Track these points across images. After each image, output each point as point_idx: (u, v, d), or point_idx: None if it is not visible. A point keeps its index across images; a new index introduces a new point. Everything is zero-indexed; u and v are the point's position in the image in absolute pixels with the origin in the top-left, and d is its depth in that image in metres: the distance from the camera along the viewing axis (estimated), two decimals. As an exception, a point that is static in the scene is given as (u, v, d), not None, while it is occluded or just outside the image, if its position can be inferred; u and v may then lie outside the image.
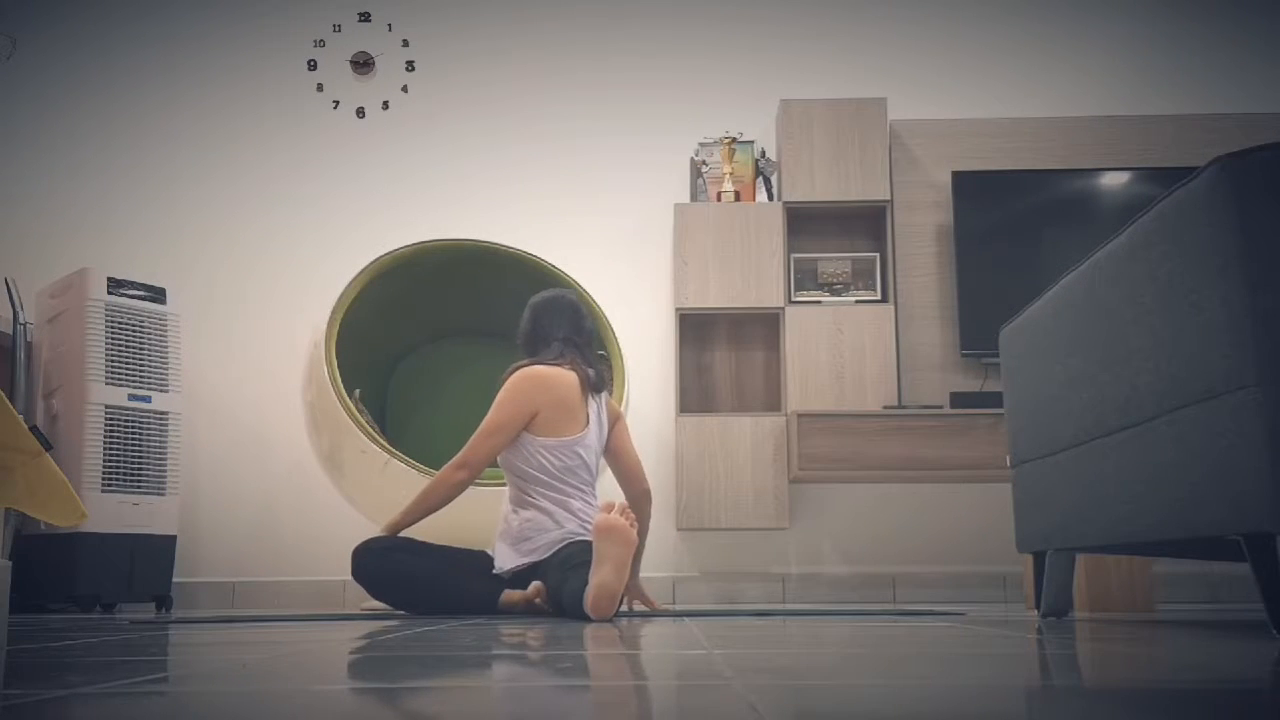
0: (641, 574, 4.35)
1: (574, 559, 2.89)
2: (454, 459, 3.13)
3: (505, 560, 3.10)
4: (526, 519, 3.09)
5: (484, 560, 3.17)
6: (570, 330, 3.23)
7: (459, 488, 3.12)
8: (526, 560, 3.05)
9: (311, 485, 4.40)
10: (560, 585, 2.84)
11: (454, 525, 3.37)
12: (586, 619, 2.63)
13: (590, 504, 3.13)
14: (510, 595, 3.02)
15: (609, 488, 4.22)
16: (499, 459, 3.16)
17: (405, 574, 3.08)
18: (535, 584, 2.99)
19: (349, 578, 3.16)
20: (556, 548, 3.02)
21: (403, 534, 3.17)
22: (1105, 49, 4.83)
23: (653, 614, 3.09)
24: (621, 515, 2.66)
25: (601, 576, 2.62)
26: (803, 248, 4.59)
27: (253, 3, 4.92)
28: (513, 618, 2.86)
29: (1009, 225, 4.45)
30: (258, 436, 4.62)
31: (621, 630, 2.21)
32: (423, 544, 3.16)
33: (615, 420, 3.27)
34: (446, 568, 3.11)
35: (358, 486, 3.88)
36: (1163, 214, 2.03)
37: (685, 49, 4.86)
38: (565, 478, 3.11)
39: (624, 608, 3.04)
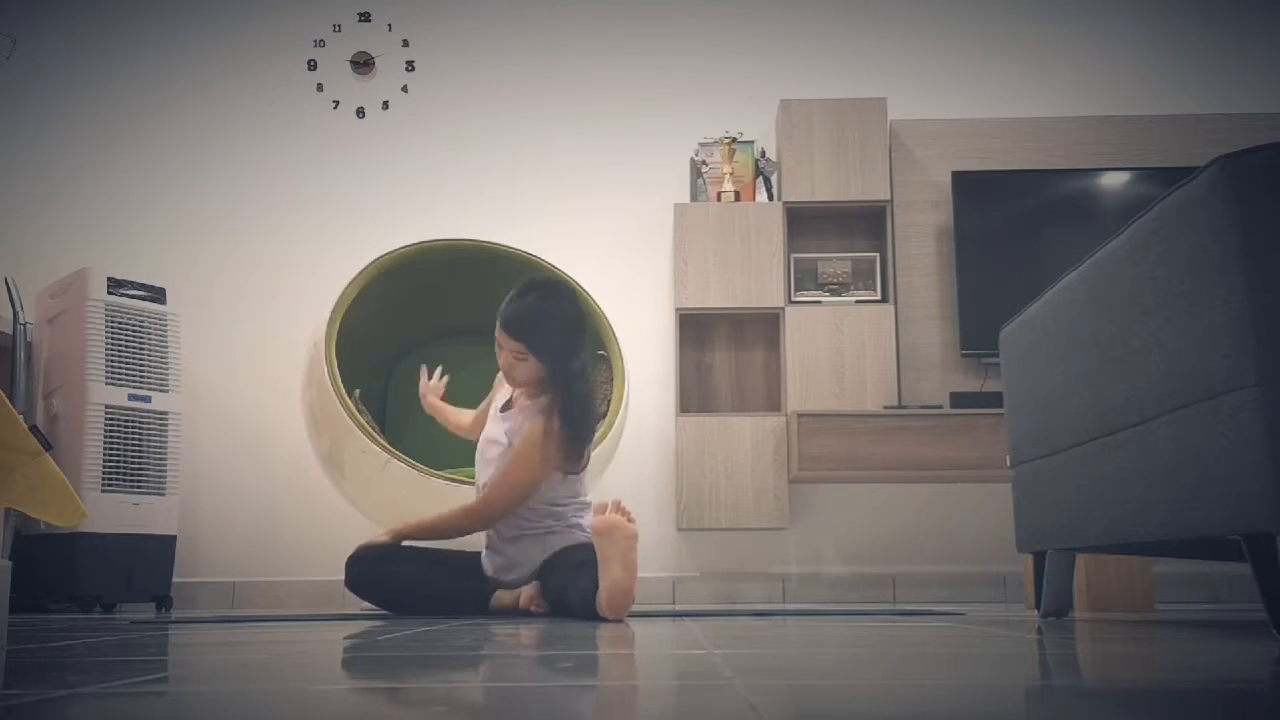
0: (641, 574, 4.35)
1: (574, 558, 2.88)
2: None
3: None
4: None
5: (474, 562, 3.16)
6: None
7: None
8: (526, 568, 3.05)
9: (311, 485, 4.40)
10: (566, 586, 2.82)
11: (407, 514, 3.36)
12: (598, 619, 2.61)
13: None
14: (502, 597, 3.02)
15: (612, 486, 4.23)
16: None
17: (395, 582, 3.09)
18: (526, 588, 2.98)
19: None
20: (554, 550, 3.01)
21: (394, 539, 3.15)
22: (1105, 49, 4.83)
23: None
24: (616, 511, 2.65)
25: (613, 576, 2.60)
26: (803, 248, 4.59)
27: (253, 3, 4.92)
28: (509, 619, 2.85)
29: (1009, 225, 4.45)
30: (257, 436, 4.62)
31: (622, 630, 2.21)
32: (411, 550, 3.15)
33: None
34: (436, 572, 3.11)
35: (358, 486, 3.88)
36: (1163, 214, 2.03)
37: (685, 49, 4.86)
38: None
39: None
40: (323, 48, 4.87)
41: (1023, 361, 2.83)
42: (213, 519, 4.57)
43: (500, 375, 3.18)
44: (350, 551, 3.15)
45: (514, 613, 2.98)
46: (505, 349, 3.02)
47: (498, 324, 3.03)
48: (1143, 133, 4.56)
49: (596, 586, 2.63)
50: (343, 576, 3.12)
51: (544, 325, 3.02)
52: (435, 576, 3.10)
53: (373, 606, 3.25)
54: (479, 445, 3.19)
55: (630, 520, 2.65)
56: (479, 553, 3.20)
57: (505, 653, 1.60)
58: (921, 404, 4.36)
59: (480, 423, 3.27)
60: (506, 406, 3.17)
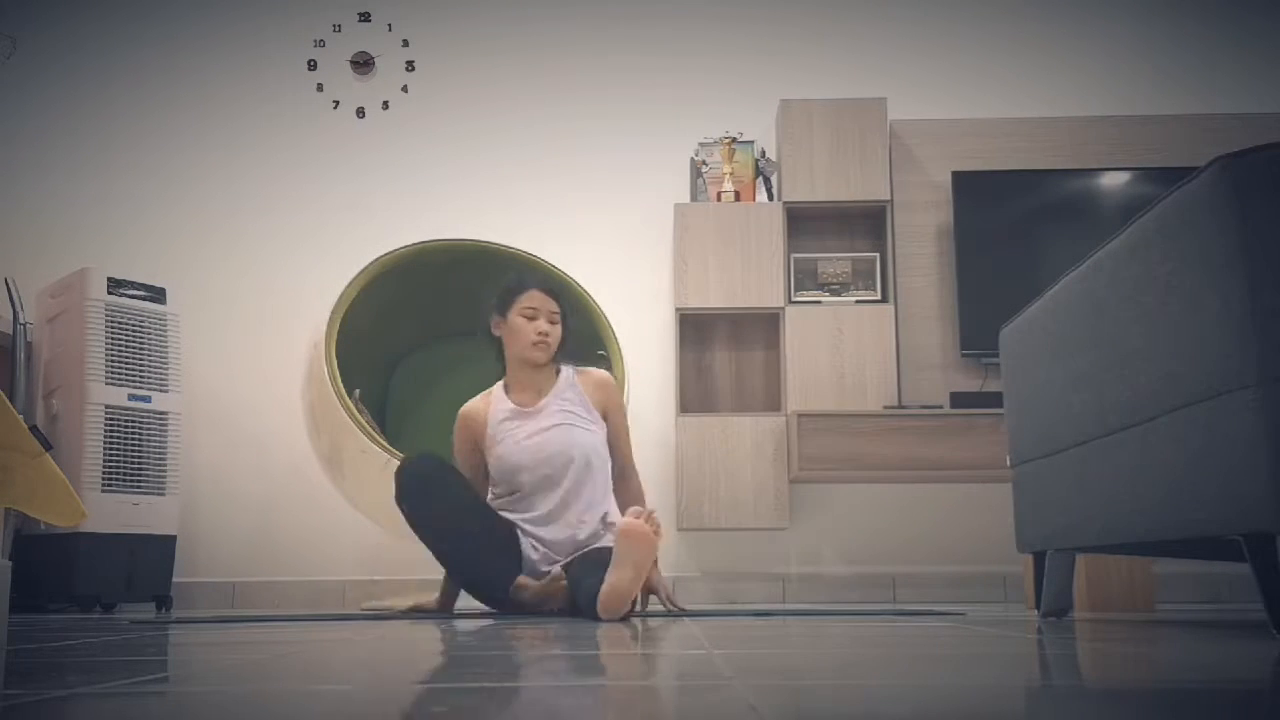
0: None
1: (598, 558, 2.85)
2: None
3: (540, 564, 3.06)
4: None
5: (510, 533, 3.05)
6: None
7: None
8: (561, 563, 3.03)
9: (311, 485, 4.40)
10: (580, 580, 2.81)
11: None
12: (597, 619, 2.61)
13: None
14: (525, 581, 2.96)
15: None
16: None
17: (449, 503, 2.98)
18: (556, 569, 2.94)
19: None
20: (586, 547, 3.00)
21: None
22: (1105, 49, 4.83)
23: (670, 613, 2.98)
24: (647, 522, 2.62)
25: (618, 577, 2.59)
26: (803, 248, 4.59)
27: (253, 3, 4.92)
28: (513, 618, 2.85)
29: (1009, 225, 4.45)
30: (258, 437, 4.62)
31: (624, 631, 2.21)
32: (467, 483, 3.08)
33: None
34: (480, 523, 3.01)
35: (358, 487, 3.88)
36: (1163, 214, 2.03)
37: (685, 49, 4.86)
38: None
39: (638, 606, 2.98)
40: (323, 48, 4.87)
41: (1023, 361, 2.83)
42: (213, 519, 4.57)
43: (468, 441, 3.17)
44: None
45: (528, 604, 2.93)
46: (543, 312, 3.11)
47: (530, 290, 3.12)
48: (1143, 133, 4.56)
49: (600, 583, 2.63)
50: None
51: (566, 290, 3.22)
52: (478, 528, 3.00)
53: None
54: (537, 449, 3.07)
55: (656, 533, 2.62)
56: (515, 531, 3.12)
57: (506, 652, 1.60)
58: (921, 404, 4.36)
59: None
60: (522, 406, 3.14)
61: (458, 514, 3.00)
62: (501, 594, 2.96)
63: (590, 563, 2.86)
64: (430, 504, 3.00)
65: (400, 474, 3.03)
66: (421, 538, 3.04)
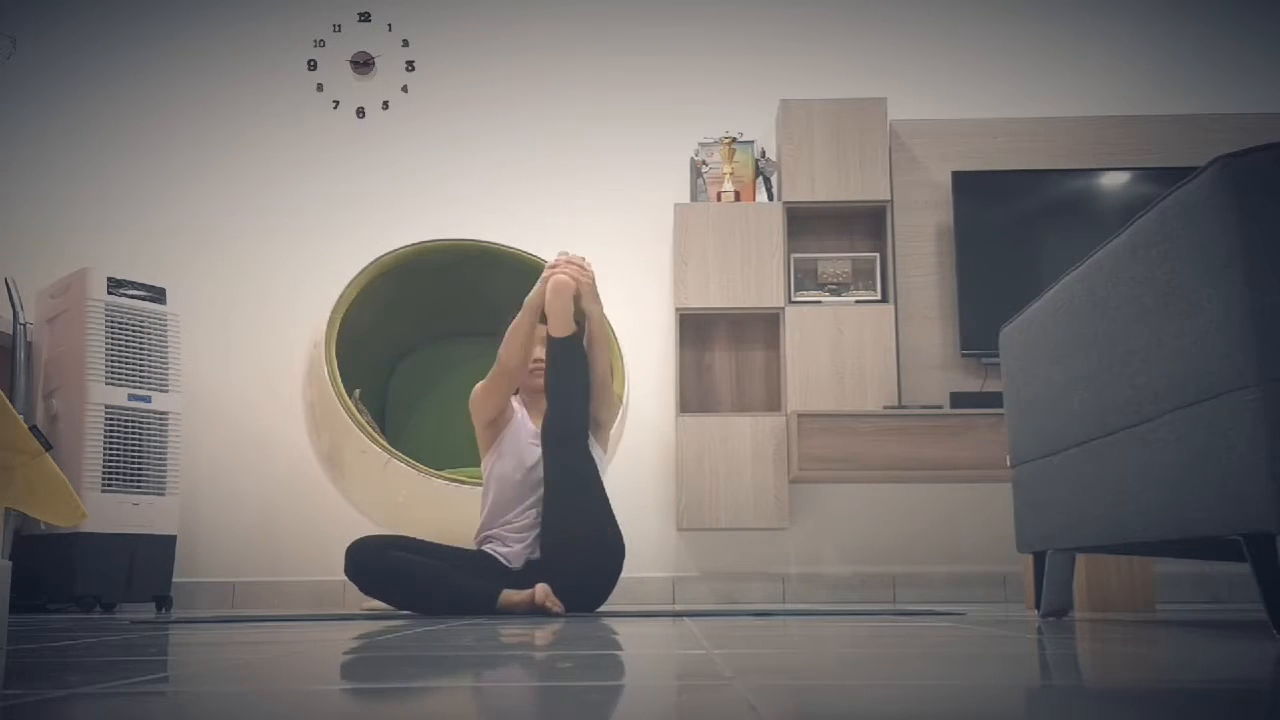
0: (641, 574, 4.36)
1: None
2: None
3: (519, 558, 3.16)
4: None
5: (482, 560, 3.16)
6: None
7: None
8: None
9: (311, 485, 4.40)
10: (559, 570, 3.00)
11: (446, 523, 3.37)
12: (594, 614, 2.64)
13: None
14: (510, 596, 3.01)
15: (613, 486, 4.22)
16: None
17: (401, 572, 3.05)
18: (540, 585, 2.98)
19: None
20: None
21: (399, 533, 3.19)
22: (1105, 49, 4.83)
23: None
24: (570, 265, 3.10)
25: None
26: (803, 248, 4.59)
27: (253, 3, 4.92)
28: (512, 618, 2.85)
29: (1009, 225, 4.45)
30: (258, 437, 4.62)
31: (621, 631, 2.21)
32: (420, 542, 3.15)
33: None
34: (444, 567, 3.10)
35: (358, 486, 3.88)
36: (1163, 214, 2.03)
37: (685, 49, 4.86)
38: None
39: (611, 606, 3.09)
40: (323, 48, 4.87)
41: (1023, 361, 2.83)
42: (213, 519, 4.57)
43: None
44: (354, 539, 3.15)
45: (519, 612, 2.97)
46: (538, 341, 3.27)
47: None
48: (1143, 133, 4.56)
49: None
50: (342, 575, 3.11)
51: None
52: (442, 570, 3.07)
53: (377, 602, 3.24)
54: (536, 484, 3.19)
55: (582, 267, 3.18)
56: (482, 550, 3.19)
57: (505, 652, 1.60)
58: (921, 404, 4.36)
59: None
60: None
61: (412, 579, 3.06)
62: (488, 612, 3.00)
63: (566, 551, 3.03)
64: (381, 583, 3.08)
65: (346, 569, 3.10)
66: (393, 606, 3.17)
